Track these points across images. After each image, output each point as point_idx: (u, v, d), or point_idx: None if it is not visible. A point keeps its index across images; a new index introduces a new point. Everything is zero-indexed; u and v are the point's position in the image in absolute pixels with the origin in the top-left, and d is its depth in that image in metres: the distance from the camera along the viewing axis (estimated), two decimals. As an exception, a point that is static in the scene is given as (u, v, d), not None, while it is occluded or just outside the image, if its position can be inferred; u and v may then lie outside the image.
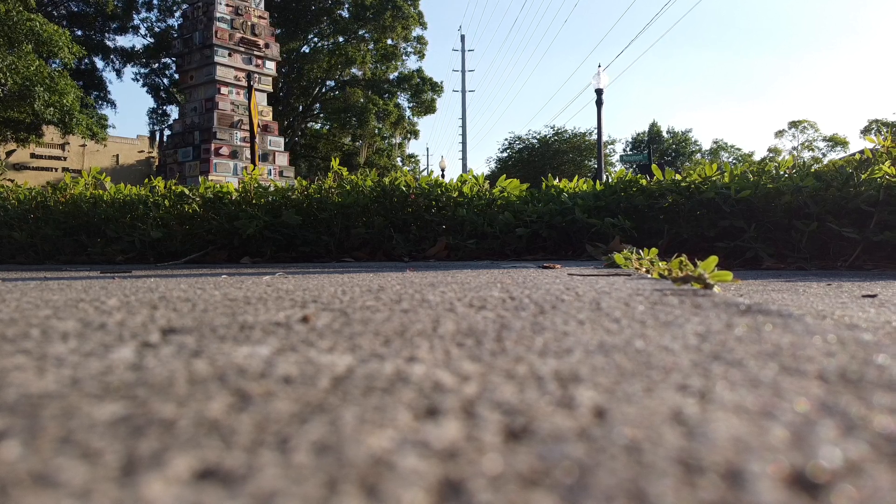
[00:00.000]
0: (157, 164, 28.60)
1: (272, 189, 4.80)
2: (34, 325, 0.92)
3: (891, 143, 3.67)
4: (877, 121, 47.92)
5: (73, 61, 18.75)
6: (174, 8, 30.90)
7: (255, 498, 0.32)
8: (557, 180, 4.84)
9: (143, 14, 35.33)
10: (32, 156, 26.34)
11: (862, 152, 3.89)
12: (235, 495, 0.33)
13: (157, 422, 0.45)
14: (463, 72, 37.81)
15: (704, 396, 0.51)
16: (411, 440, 0.41)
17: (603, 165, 18.10)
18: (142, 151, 31.10)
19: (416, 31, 32.42)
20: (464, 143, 37.88)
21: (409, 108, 33.59)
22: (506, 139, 55.02)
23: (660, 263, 2.00)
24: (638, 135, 56.01)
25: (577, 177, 4.94)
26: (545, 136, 36.68)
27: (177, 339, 0.80)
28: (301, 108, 33.17)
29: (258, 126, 11.97)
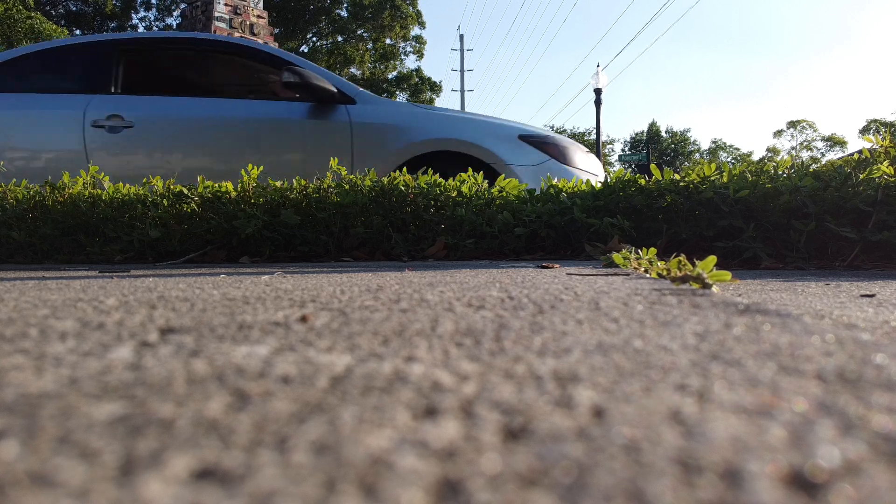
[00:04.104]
0: (155, 163, 28.51)
1: (270, 188, 4.80)
2: (32, 325, 0.91)
3: (889, 143, 3.67)
4: (875, 120, 47.95)
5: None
6: (173, 7, 30.88)
7: (254, 497, 0.32)
8: (556, 180, 4.84)
9: (142, 13, 35.28)
10: (31, 155, 26.27)
11: (860, 152, 3.89)
12: (234, 495, 0.33)
13: (156, 421, 0.45)
14: (462, 71, 37.78)
15: (703, 396, 0.51)
16: (410, 440, 0.41)
17: (601, 165, 18.11)
18: (140, 151, 30.99)
19: (415, 31, 32.38)
20: (463, 142, 37.74)
21: (407, 107, 33.48)
22: (505, 139, 54.85)
23: (658, 263, 2.00)
24: (636, 134, 56.06)
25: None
26: (544, 135, 36.66)
27: (175, 338, 0.79)
28: (300, 107, 33.06)
29: (257, 125, 11.93)
